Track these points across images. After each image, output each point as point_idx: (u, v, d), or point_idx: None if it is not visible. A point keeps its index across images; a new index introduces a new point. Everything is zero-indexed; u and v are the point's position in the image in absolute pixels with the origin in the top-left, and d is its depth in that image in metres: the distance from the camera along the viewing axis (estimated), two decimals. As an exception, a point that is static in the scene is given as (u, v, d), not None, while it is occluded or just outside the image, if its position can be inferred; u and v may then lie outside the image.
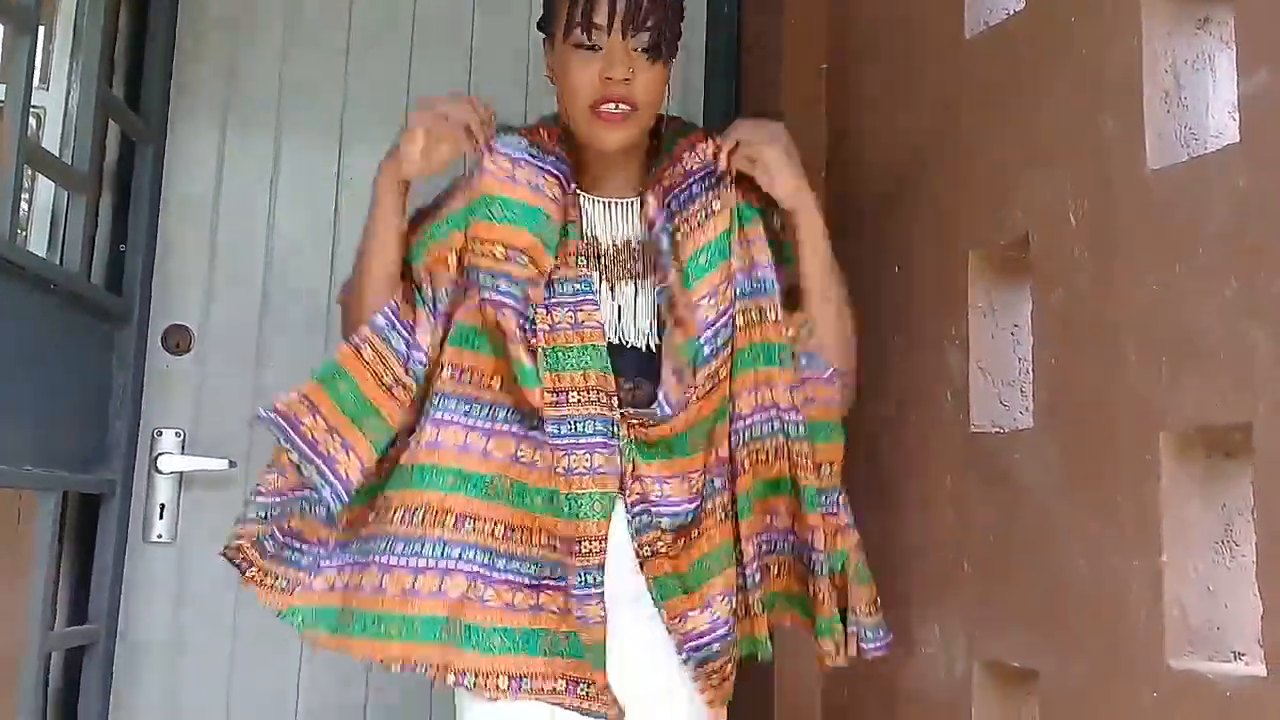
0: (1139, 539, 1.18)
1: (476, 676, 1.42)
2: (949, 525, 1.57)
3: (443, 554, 1.44)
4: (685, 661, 1.50)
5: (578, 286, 1.51)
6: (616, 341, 1.52)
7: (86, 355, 2.05)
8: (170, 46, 2.31)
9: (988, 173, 1.53)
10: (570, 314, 1.49)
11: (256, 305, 2.34)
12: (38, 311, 1.80)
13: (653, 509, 1.49)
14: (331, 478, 1.46)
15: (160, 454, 2.24)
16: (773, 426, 1.51)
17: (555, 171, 1.52)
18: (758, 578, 1.53)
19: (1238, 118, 1.11)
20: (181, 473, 2.26)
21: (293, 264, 2.36)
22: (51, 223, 2.03)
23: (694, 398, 1.48)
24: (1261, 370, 1.05)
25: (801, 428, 1.50)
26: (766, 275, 1.52)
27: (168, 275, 2.30)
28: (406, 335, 1.50)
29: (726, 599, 1.50)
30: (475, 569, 1.44)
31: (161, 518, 2.24)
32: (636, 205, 1.57)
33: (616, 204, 1.58)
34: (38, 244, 2.02)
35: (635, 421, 1.48)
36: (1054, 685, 1.32)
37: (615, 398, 1.48)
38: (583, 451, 1.46)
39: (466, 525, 1.45)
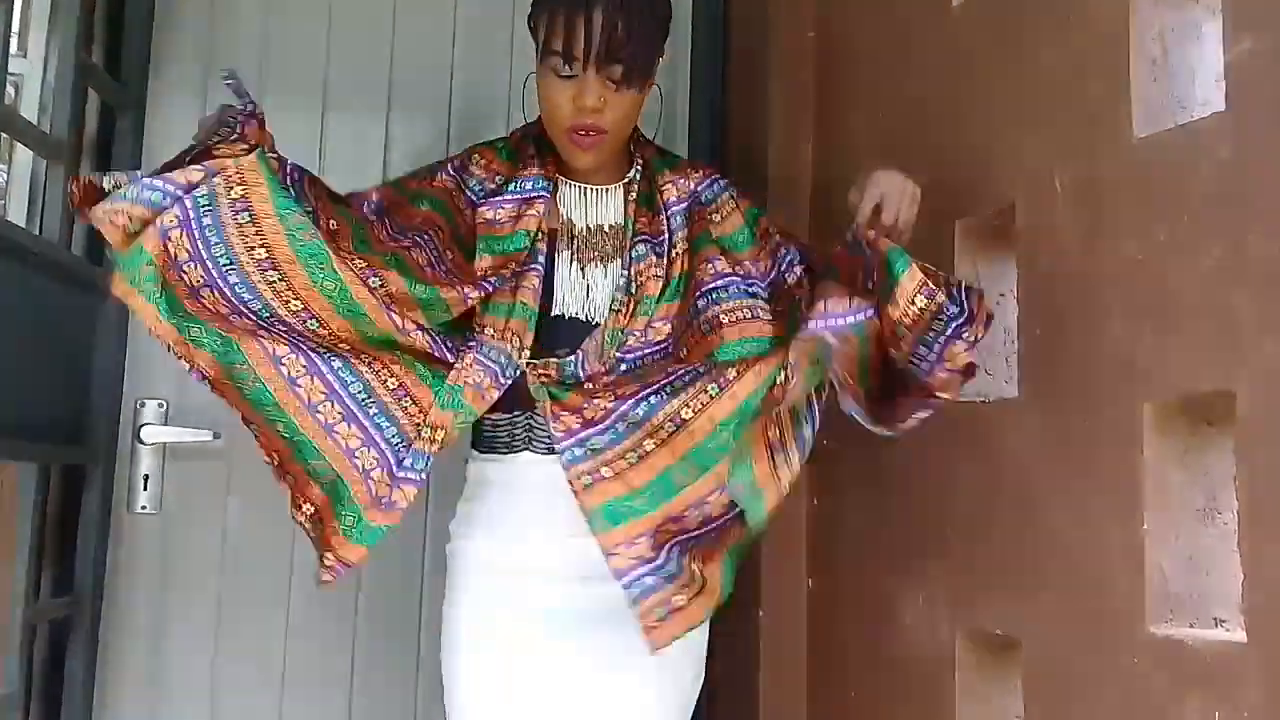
0: (1122, 507, 1.19)
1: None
2: (933, 495, 1.58)
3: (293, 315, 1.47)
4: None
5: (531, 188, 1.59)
6: (583, 319, 1.56)
7: (67, 326, 2.03)
8: (150, 14, 2.28)
9: (974, 142, 1.53)
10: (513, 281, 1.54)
11: (239, 275, 2.32)
12: (17, 282, 1.78)
13: (582, 435, 1.48)
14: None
15: (143, 425, 2.23)
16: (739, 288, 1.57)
17: (535, 193, 1.59)
18: None
19: (1224, 86, 1.11)
20: (165, 444, 2.25)
21: (275, 234, 2.34)
22: (30, 192, 2.00)
23: (600, 384, 1.51)
24: (1245, 339, 1.05)
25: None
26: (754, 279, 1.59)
27: (149, 245, 2.27)
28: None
29: (648, 538, 1.46)
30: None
31: (145, 489, 2.23)
32: (610, 192, 1.64)
33: (591, 189, 1.64)
34: (16, 214, 1.99)
35: (542, 370, 1.51)
36: (1036, 653, 1.33)
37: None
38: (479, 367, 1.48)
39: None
